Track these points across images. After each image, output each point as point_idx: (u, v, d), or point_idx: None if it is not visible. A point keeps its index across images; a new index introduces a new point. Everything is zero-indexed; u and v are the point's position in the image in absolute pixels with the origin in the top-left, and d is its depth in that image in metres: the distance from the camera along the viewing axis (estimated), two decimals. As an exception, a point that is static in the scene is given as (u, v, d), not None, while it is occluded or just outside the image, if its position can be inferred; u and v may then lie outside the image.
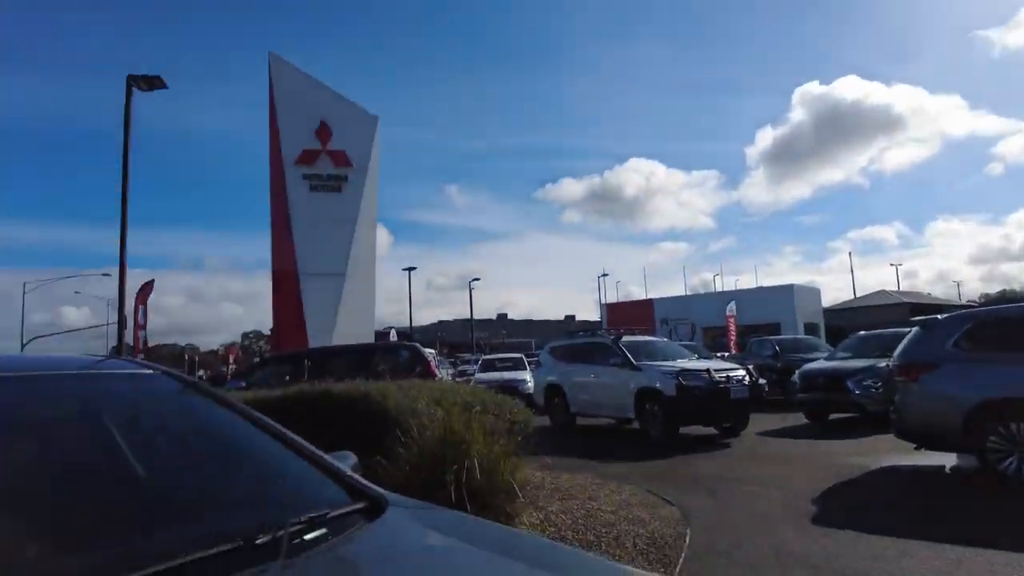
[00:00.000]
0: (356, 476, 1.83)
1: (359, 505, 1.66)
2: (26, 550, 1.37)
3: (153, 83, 15.05)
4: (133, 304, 18.05)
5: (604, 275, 59.62)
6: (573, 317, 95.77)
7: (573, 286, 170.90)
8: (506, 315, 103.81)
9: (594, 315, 65.99)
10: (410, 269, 44.69)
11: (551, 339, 15.12)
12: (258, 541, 1.34)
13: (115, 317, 15.51)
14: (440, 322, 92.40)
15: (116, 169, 13.05)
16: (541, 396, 13.44)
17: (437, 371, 10.83)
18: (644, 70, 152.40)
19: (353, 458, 2.09)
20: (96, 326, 43.54)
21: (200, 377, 50.17)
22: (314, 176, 17.50)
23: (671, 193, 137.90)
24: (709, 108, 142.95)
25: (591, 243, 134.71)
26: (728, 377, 10.64)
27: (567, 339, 14.14)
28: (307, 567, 1.33)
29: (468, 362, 35.01)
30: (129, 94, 14.89)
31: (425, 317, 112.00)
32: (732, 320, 24.32)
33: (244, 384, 10.24)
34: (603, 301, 58.17)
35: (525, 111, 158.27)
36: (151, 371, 2.18)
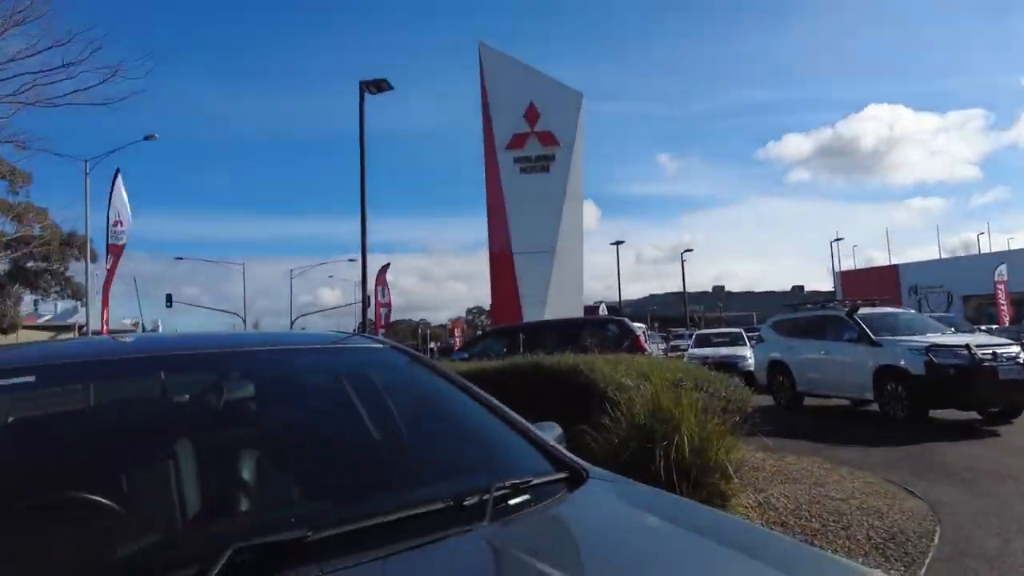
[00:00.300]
0: (559, 447, 1.87)
1: (561, 475, 1.70)
2: (275, 490, 1.67)
3: (381, 86, 16.69)
4: (374, 285, 20.43)
5: (838, 239, 52.85)
6: (801, 288, 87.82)
7: (801, 253, 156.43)
8: (723, 287, 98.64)
9: (826, 285, 59.95)
10: (618, 243, 44.07)
11: (775, 312, 14.08)
12: (466, 503, 1.42)
13: (361, 297, 17.69)
14: (650, 296, 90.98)
15: (356, 166, 14.73)
16: (763, 373, 12.64)
17: (646, 345, 10.73)
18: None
19: (558, 429, 2.17)
20: (347, 305, 50.08)
21: (431, 349, 55.38)
22: (523, 158, 18.18)
23: (920, 141, 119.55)
24: (970, 34, 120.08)
25: (822, 204, 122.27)
26: (995, 354, 9.04)
27: (793, 312, 13.09)
28: (510, 530, 1.40)
29: (681, 337, 34.06)
30: (362, 98, 16.72)
31: (635, 291, 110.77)
32: (1002, 287, 20.53)
33: (467, 355, 11.10)
34: (837, 269, 52.64)
35: (741, 67, 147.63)
36: (382, 346, 2.47)
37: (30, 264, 31.81)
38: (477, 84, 18.52)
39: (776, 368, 12.24)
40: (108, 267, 12.06)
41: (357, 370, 2.31)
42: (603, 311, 38.38)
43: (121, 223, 12.14)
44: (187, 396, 2.18)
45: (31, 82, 6.25)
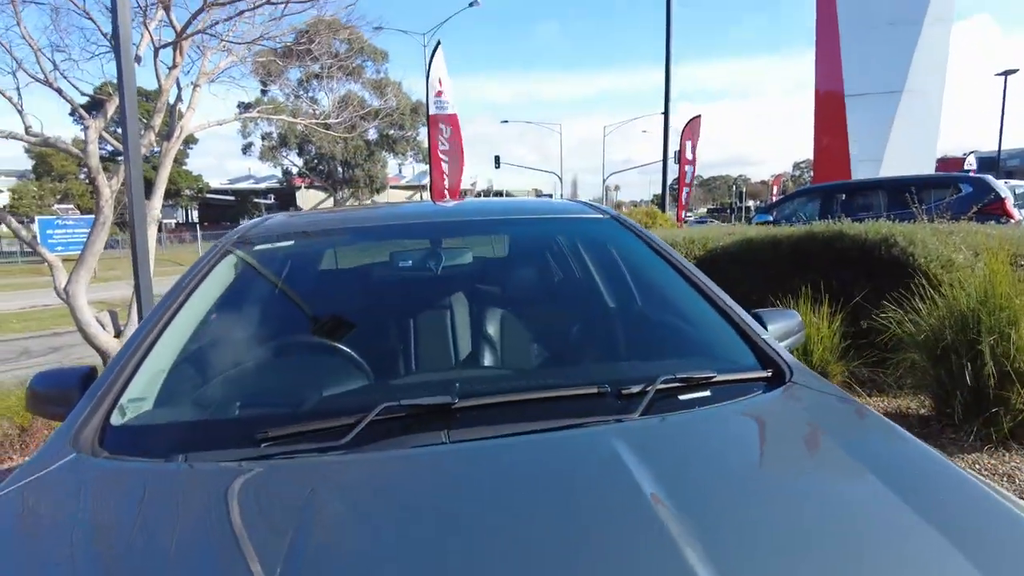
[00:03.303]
0: (769, 340, 1.61)
1: (756, 374, 1.47)
2: (457, 355, 1.76)
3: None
4: (679, 139, 19.47)
5: None
6: None
7: None
8: None
9: None
10: (1006, 73, 31.49)
11: None
12: (624, 391, 1.33)
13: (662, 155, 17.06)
14: (1054, 142, 69.82)
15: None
16: None
17: (1015, 212, 8.31)
18: None
19: (796, 318, 1.90)
20: (655, 162, 49.51)
21: (746, 208, 51.90)
22: (869, -27, 14.70)
23: None
24: None
25: None
26: None
27: None
28: (655, 428, 1.26)
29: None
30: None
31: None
32: None
33: (771, 218, 10.04)
34: None
35: None
36: (601, 216, 2.34)
37: (391, 132, 37.81)
38: None
39: None
40: (438, 135, 13.44)
41: (568, 242, 2.33)
42: (970, 164, 30.73)
43: (442, 93, 13.30)
44: (410, 261, 2.40)
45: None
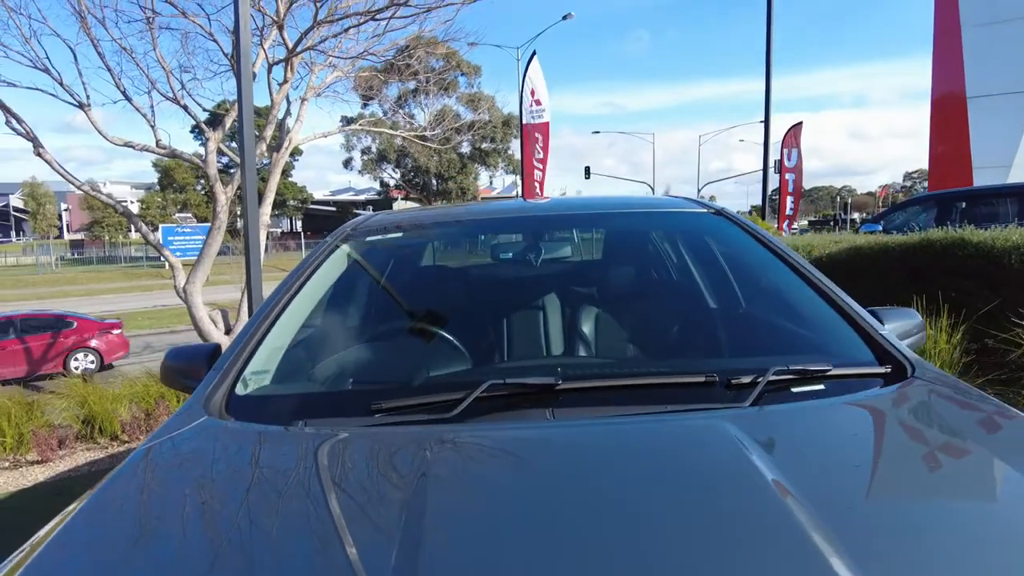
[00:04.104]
0: (889, 337, 1.52)
1: (873, 369, 1.40)
2: (567, 340, 1.80)
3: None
4: (780, 148, 18.68)
5: None
6: None
7: None
8: None
9: None
10: None
11: None
12: (734, 381, 1.30)
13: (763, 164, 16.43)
14: None
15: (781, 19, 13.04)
16: None
17: None
18: None
19: (916, 318, 1.79)
20: (754, 171, 47.74)
21: (852, 221, 48.92)
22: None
23: None
24: None
25: None
26: None
27: None
28: (768, 420, 1.21)
29: None
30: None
31: None
32: None
33: (880, 227, 9.43)
34: None
35: None
36: (706, 210, 2.29)
37: (483, 145, 38.62)
38: None
39: None
40: (533, 144, 13.58)
41: (675, 235, 2.31)
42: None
43: (540, 102, 13.45)
44: (511, 253, 2.54)
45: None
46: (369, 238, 2.12)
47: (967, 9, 13.76)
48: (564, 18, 28.28)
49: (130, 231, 56.20)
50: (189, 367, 1.61)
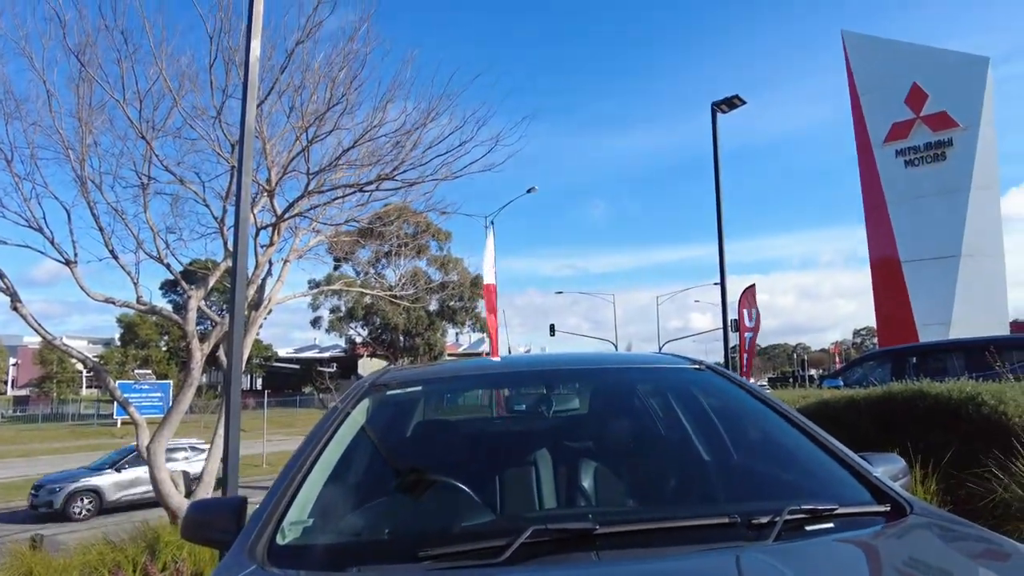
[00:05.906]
0: (883, 479, 1.67)
1: (876, 508, 1.53)
2: (586, 489, 1.87)
3: (733, 103, 16.23)
4: (737, 308, 19.61)
5: None
6: None
7: None
8: None
9: None
10: None
11: None
12: (754, 520, 1.40)
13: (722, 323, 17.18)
14: None
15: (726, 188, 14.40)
16: None
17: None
18: None
19: (899, 463, 1.94)
20: (713, 330, 49.41)
21: (809, 377, 50.12)
22: (908, 150, 15.48)
23: None
24: None
25: None
26: None
27: None
28: (796, 554, 1.31)
29: None
30: (714, 119, 16.43)
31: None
32: None
33: (841, 383, 9.80)
34: None
35: None
36: (699, 367, 2.49)
37: (451, 303, 39.59)
38: (844, 78, 16.60)
39: None
40: (494, 302, 14.15)
41: (672, 389, 2.46)
42: (1047, 328, 29.56)
43: (491, 266, 14.40)
44: (524, 405, 2.69)
45: (440, 163, 8.04)
46: (389, 392, 2.22)
47: (890, 187, 15.41)
48: (528, 191, 30.39)
49: (81, 388, 54.01)
50: (215, 520, 1.62)
